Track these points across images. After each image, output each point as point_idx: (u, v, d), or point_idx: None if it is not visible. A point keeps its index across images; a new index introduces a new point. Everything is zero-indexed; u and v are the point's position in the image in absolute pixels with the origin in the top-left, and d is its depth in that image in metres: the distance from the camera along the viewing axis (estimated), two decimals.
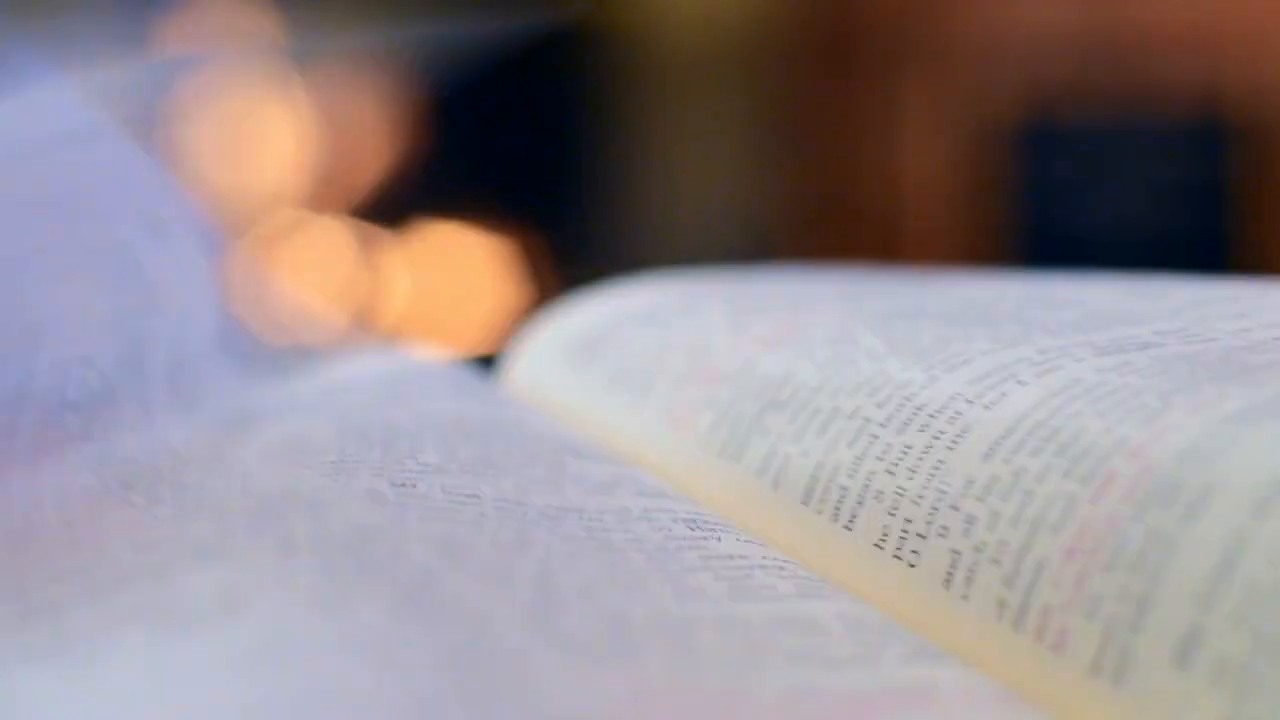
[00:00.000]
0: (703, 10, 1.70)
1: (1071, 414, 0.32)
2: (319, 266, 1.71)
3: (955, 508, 0.32)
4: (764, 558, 0.32)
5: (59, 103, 0.37)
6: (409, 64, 1.74)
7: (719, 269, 0.48)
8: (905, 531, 0.32)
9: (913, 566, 0.32)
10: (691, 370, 0.39)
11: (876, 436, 0.34)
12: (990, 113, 1.70)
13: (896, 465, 0.33)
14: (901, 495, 0.33)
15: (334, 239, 1.71)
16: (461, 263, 1.72)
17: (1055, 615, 0.29)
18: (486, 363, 0.45)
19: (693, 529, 0.33)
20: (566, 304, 0.45)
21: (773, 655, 0.29)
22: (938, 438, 0.33)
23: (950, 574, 0.31)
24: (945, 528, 0.32)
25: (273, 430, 0.36)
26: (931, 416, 0.34)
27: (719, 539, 0.33)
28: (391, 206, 1.73)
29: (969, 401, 0.33)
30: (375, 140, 1.73)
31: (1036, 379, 0.33)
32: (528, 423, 0.38)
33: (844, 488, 0.34)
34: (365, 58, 1.73)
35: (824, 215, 1.76)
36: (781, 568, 0.32)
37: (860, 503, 0.34)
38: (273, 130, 1.72)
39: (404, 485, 0.32)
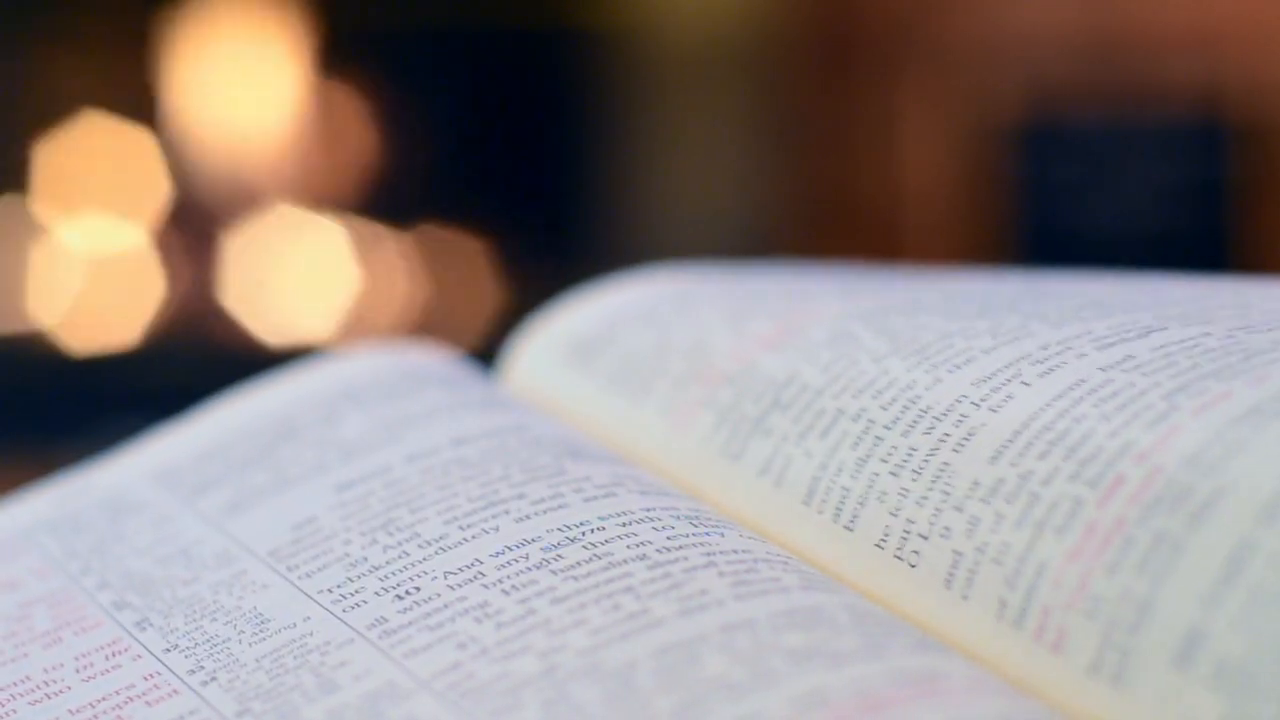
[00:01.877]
0: (703, 11, 1.70)
1: (1078, 417, 0.31)
2: (318, 266, 1.71)
3: (959, 509, 0.32)
4: (767, 552, 0.32)
5: None
6: (408, 63, 1.74)
7: (715, 264, 0.47)
8: (907, 532, 0.32)
9: (913, 567, 0.32)
10: (691, 371, 0.39)
11: (881, 439, 0.34)
12: (990, 113, 1.70)
13: (901, 467, 0.33)
14: (905, 496, 0.33)
15: (332, 239, 1.71)
16: (460, 262, 1.72)
17: (1055, 615, 0.29)
18: (486, 361, 0.45)
19: (695, 525, 0.33)
20: (564, 302, 0.44)
21: (780, 660, 0.28)
22: (944, 440, 0.33)
23: (951, 574, 0.31)
24: (948, 528, 0.32)
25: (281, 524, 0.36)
26: (937, 419, 0.33)
27: (722, 534, 0.33)
28: (389, 206, 1.73)
29: (975, 404, 0.33)
30: (373, 139, 1.73)
31: (1040, 379, 0.33)
32: (527, 426, 0.38)
33: (846, 489, 0.34)
34: (362, 55, 1.73)
35: (824, 216, 1.76)
36: (786, 561, 0.32)
37: (862, 503, 0.33)
38: (270, 129, 1.72)
39: (407, 595, 0.32)
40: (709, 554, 0.32)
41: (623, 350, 0.41)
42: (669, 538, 0.33)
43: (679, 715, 0.27)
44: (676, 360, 0.40)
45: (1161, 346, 0.33)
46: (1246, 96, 1.65)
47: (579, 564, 0.32)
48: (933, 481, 0.32)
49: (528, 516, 0.34)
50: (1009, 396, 0.33)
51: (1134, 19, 1.67)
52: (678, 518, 0.33)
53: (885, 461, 0.34)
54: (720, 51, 1.70)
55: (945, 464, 0.32)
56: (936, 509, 0.32)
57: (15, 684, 0.33)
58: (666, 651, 0.29)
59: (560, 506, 0.34)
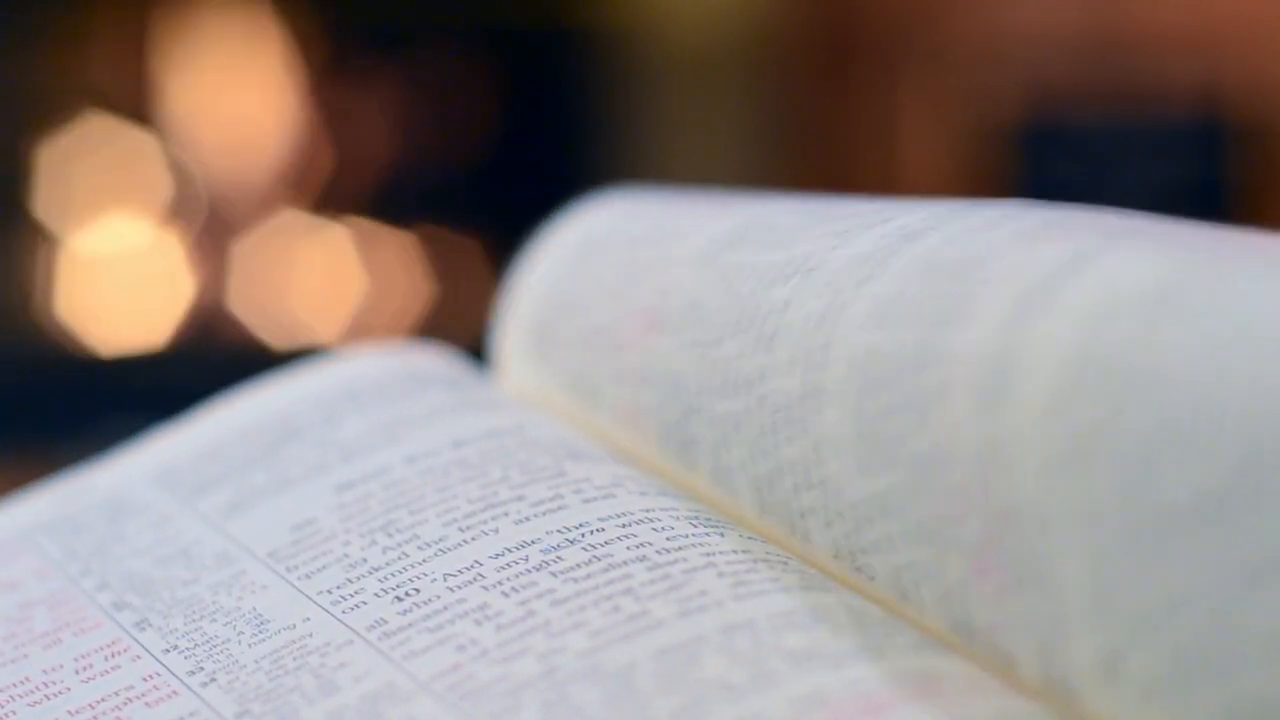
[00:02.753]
0: (703, 11, 1.70)
1: (856, 393, 0.30)
2: (317, 267, 1.71)
3: (861, 527, 0.30)
4: (766, 553, 0.32)
5: None
6: (408, 64, 1.74)
7: (650, 192, 0.46)
8: (847, 547, 0.31)
9: (872, 579, 0.31)
10: (617, 368, 0.38)
11: (766, 450, 0.33)
12: (990, 113, 1.70)
13: (799, 483, 0.32)
14: (821, 513, 0.31)
15: (333, 239, 1.71)
16: (460, 262, 1.72)
17: (996, 635, 0.28)
18: (486, 361, 0.45)
19: (694, 526, 0.33)
20: (516, 273, 0.44)
21: (780, 661, 0.28)
22: (799, 444, 0.31)
23: (902, 590, 0.30)
24: (869, 545, 0.30)
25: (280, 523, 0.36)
26: (777, 413, 0.32)
27: (721, 534, 0.33)
28: (389, 207, 1.73)
29: (788, 393, 0.32)
30: (374, 140, 1.73)
31: (824, 353, 0.31)
32: (526, 428, 0.38)
33: (783, 502, 0.33)
34: (364, 57, 1.73)
35: None
36: (785, 562, 0.32)
37: (801, 516, 0.32)
38: (272, 131, 1.72)
39: (407, 596, 0.32)
40: (708, 555, 0.32)
41: (567, 346, 0.40)
42: (668, 539, 0.32)
43: (679, 716, 0.27)
44: (603, 351, 0.38)
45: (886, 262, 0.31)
46: (1246, 96, 1.65)
47: (579, 566, 0.32)
48: (824, 498, 0.31)
49: (527, 518, 0.34)
50: (816, 367, 0.31)
51: (1134, 19, 1.67)
52: (677, 519, 0.33)
53: (785, 476, 0.32)
54: (720, 51, 1.70)
55: (823, 480, 0.31)
56: (849, 526, 0.31)
57: (14, 685, 0.33)
58: (666, 653, 0.29)
59: (560, 508, 0.34)
